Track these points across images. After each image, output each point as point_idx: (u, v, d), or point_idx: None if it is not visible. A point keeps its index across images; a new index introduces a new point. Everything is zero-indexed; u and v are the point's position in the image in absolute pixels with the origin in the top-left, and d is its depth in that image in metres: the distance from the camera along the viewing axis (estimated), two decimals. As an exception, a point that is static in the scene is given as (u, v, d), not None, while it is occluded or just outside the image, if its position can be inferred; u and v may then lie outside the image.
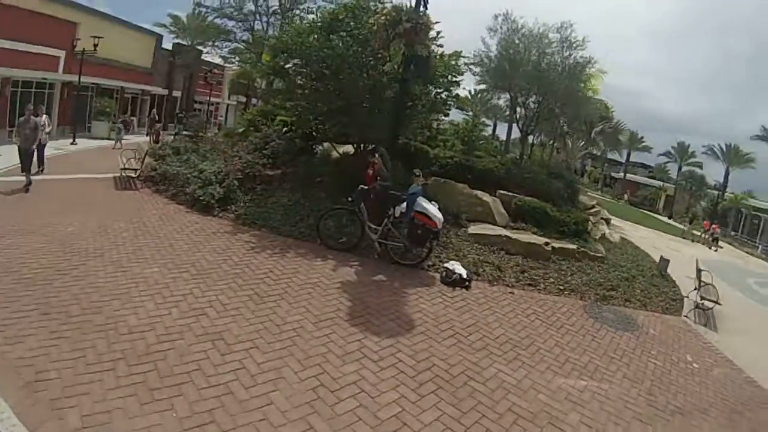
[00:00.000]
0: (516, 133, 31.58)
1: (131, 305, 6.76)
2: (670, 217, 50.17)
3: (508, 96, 26.18)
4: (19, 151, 14.29)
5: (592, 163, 71.99)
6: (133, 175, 16.14)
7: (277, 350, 6.10)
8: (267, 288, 8.01)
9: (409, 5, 11.21)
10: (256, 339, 6.28)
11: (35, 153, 15.42)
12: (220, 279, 8.13)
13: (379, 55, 12.62)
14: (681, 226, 39.61)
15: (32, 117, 14.52)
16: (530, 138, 26.70)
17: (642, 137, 65.71)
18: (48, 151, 21.75)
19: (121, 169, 16.25)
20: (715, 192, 56.69)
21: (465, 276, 9.81)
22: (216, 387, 5.21)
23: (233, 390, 5.21)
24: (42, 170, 16.47)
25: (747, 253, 35.74)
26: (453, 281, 9.65)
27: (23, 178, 13.66)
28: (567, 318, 9.26)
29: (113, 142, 28.19)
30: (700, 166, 61.81)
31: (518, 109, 24.44)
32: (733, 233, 47.48)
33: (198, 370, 5.46)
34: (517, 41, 22.04)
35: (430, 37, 11.25)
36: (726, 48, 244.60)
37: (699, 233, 34.24)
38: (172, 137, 24.82)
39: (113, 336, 5.90)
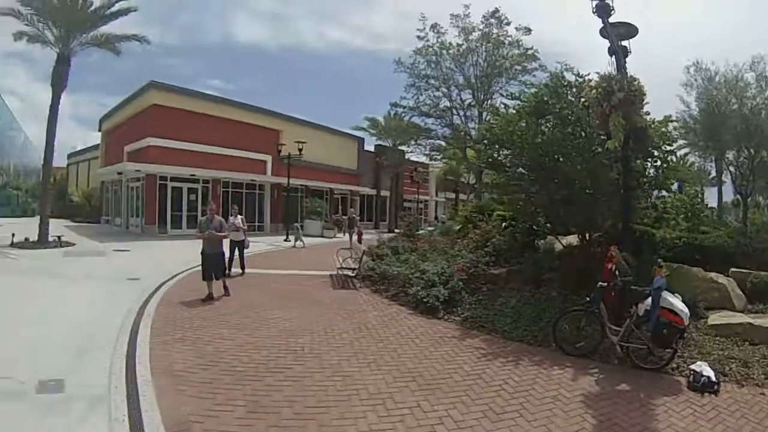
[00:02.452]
0: (726, 197, 29.57)
1: (351, 415, 6.29)
2: None
3: (713, 157, 24.62)
4: (203, 256, 12.85)
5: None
6: (350, 274, 16.24)
7: (520, 478, 5.31)
8: (503, 402, 7.23)
9: (610, 72, 10.41)
10: (494, 464, 5.53)
11: (230, 257, 15.74)
12: (451, 391, 7.47)
13: (595, 134, 11.75)
14: None
15: (216, 216, 13.44)
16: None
17: None
18: (263, 247, 23.15)
19: (338, 267, 16.55)
20: None
21: (713, 378, 8.47)
22: None
23: None
24: (243, 273, 16.42)
25: None
26: (701, 386, 8.34)
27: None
28: None
29: (294, 241, 29.04)
30: None
31: (731, 168, 22.74)
32: None
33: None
34: (714, 92, 20.57)
35: (645, 103, 10.30)
36: None
37: None
38: (378, 236, 24.90)
39: (330, 448, 5.43)
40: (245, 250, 16.93)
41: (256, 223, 37.28)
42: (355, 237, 26.55)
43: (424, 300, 12.25)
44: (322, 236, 35.16)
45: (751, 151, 20.99)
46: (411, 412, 6.55)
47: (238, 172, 34.60)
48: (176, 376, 7.18)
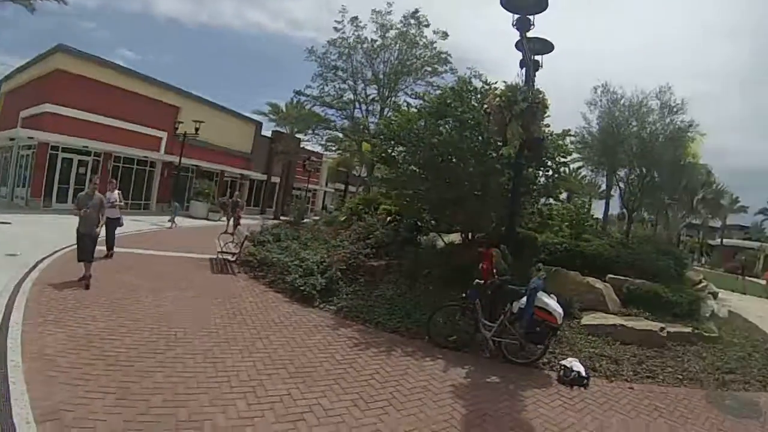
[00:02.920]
0: (612, 210, 30.96)
1: (221, 402, 6.20)
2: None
3: (605, 172, 25.70)
4: (77, 235, 11.67)
5: (687, 232, 69.21)
6: (230, 258, 16.04)
7: (389, 469, 5.34)
8: (373, 392, 7.31)
9: (517, 83, 10.66)
10: (363, 453, 5.53)
11: (106, 234, 14.14)
12: (321, 379, 7.50)
13: (491, 139, 12.00)
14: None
15: (98, 193, 12.13)
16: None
17: (737, 197, 62.38)
18: (146, 227, 22.33)
19: (219, 251, 16.27)
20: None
21: (583, 373, 8.95)
22: None
23: None
24: (111, 254, 14.77)
25: None
26: (571, 380, 8.80)
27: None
28: (690, 411, 8.32)
29: (169, 221, 27.96)
30: (803, 219, 58.90)
31: (620, 184, 23.83)
32: None
33: (299, 493, 4.78)
34: (617, 113, 21.49)
35: (546, 116, 10.62)
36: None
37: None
38: (263, 222, 24.55)
39: (199, 437, 5.28)
40: (117, 229, 15.28)
41: (143, 202, 35.98)
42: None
43: (301, 288, 12.32)
44: (208, 219, 34.43)
45: (644, 170, 22.02)
46: (281, 400, 6.54)
47: (131, 147, 33.17)
48: (48, 361, 6.80)
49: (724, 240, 67.04)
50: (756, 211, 66.58)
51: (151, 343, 7.94)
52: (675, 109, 20.68)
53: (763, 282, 33.16)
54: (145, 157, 35.12)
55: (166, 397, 6.08)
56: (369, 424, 6.26)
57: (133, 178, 34.67)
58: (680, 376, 9.99)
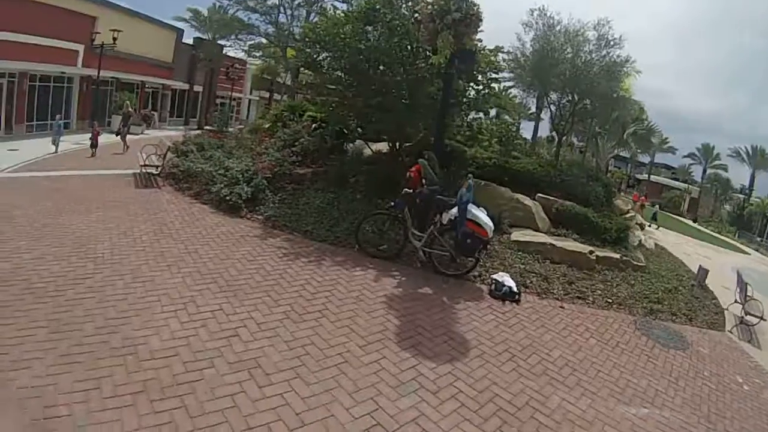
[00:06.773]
0: (541, 133, 31.12)
1: (153, 324, 5.99)
2: (694, 221, 48.86)
3: (536, 94, 25.67)
4: None
5: (615, 164, 70.60)
6: (154, 172, 15.39)
7: (323, 381, 5.31)
8: (305, 303, 7.22)
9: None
10: (298, 367, 5.48)
11: None
12: (253, 291, 7.34)
13: (421, 48, 11.75)
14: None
15: None
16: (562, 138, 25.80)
17: (666, 138, 63.77)
18: (67, 146, 21.11)
19: (142, 165, 15.52)
20: (741, 196, 55.72)
21: (515, 289, 9.07)
22: (256, 429, 4.44)
23: (277, 434, 4.42)
24: None
25: (776, 259, 32.90)
26: (503, 294, 8.91)
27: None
28: (620, 335, 8.61)
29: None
30: (725, 169, 60.38)
31: (552, 108, 23.81)
32: (759, 239, 46.27)
33: (233, 407, 4.69)
34: (552, 38, 21.35)
35: (479, 30, 10.42)
36: (747, 45, 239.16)
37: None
38: (186, 133, 23.48)
39: (133, 362, 5.13)
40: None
41: (63, 121, 32.75)
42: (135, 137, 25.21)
43: (227, 198, 12.06)
44: (131, 133, 32.63)
45: (575, 96, 21.99)
46: (213, 316, 6.38)
47: (47, 63, 29.65)
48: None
49: (652, 177, 68.58)
50: (684, 153, 68.32)
51: (79, 268, 7.52)
52: (612, 43, 20.59)
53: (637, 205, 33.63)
54: (62, 72, 31.53)
55: (98, 324, 5.82)
56: (303, 336, 6.20)
57: (50, 97, 31.19)
58: (609, 300, 10.27)
